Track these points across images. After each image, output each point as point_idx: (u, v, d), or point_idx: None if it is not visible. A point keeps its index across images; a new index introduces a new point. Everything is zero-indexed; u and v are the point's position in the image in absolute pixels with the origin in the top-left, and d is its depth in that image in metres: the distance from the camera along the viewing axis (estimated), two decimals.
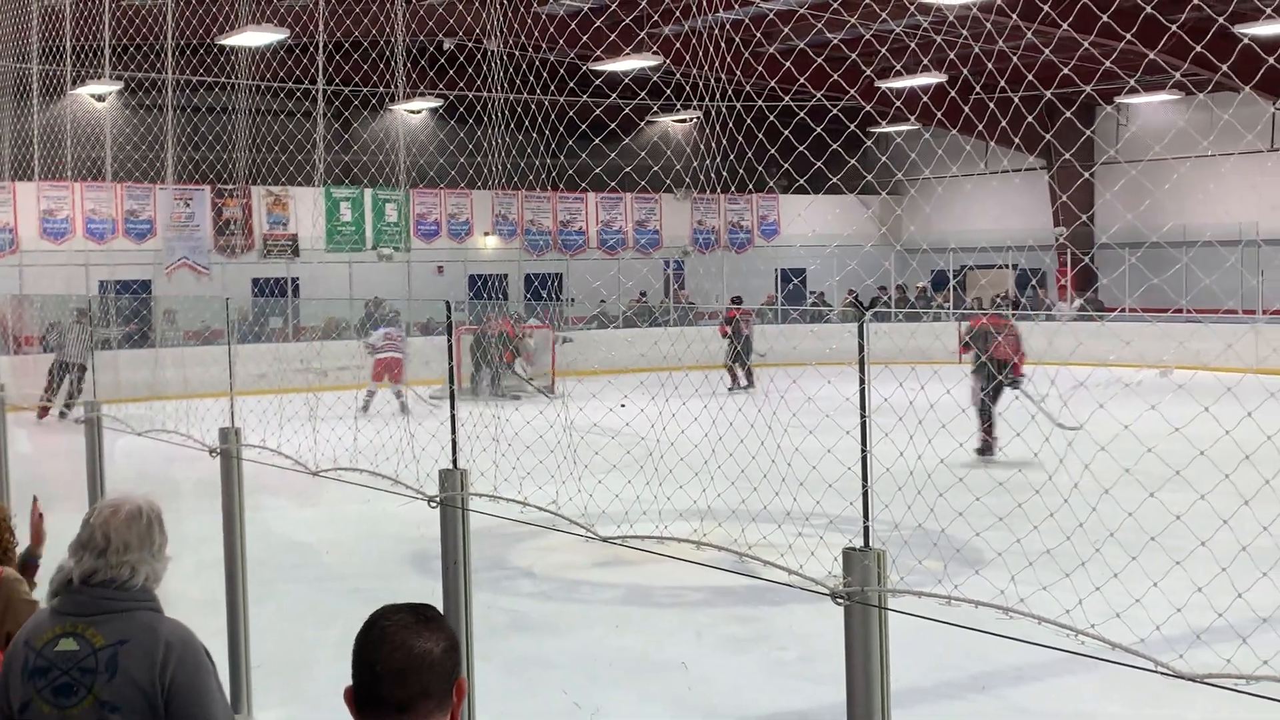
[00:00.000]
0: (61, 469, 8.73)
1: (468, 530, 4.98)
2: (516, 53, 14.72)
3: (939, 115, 24.66)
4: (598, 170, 26.88)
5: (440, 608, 4.20)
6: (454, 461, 5.18)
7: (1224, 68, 4.62)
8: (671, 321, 31.58)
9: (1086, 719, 7.49)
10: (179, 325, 27.66)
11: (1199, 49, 4.61)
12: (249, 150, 25.46)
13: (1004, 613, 3.77)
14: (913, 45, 5.38)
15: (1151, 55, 4.87)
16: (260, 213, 30.63)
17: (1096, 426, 4.82)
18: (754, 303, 34.61)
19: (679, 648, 8.87)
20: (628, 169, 27.26)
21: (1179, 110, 30.22)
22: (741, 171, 34.77)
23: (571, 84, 18.72)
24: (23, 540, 5.20)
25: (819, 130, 5.58)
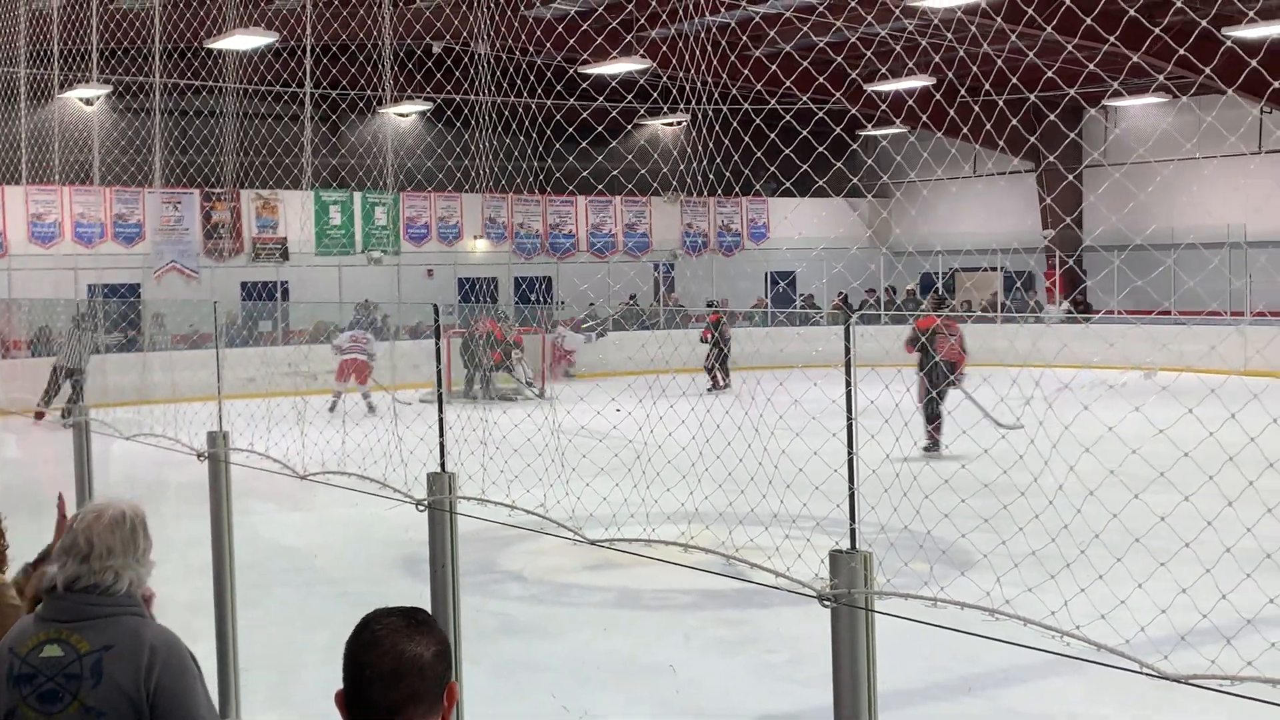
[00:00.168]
0: (50, 473, 8.71)
1: (455, 533, 4.98)
2: (504, 56, 14.73)
3: (924, 118, 24.75)
4: (585, 173, 26.91)
5: (428, 611, 4.22)
6: (442, 465, 5.19)
7: (1207, 70, 4.64)
8: (660, 324, 31.62)
9: None
10: (167, 329, 27.64)
11: (1182, 51, 4.64)
12: (237, 154, 25.44)
13: (990, 614, 3.78)
14: (898, 49, 5.39)
15: (1135, 58, 4.90)
16: (249, 216, 30.59)
17: (1081, 428, 4.84)
18: (743, 305, 34.69)
19: (668, 650, 8.88)
20: (615, 172, 27.27)
21: (1165, 113, 30.32)
22: (728, 175, 34.79)
23: (559, 88, 18.72)
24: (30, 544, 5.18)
25: (804, 134, 5.59)
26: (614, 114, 24.40)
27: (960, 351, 15.53)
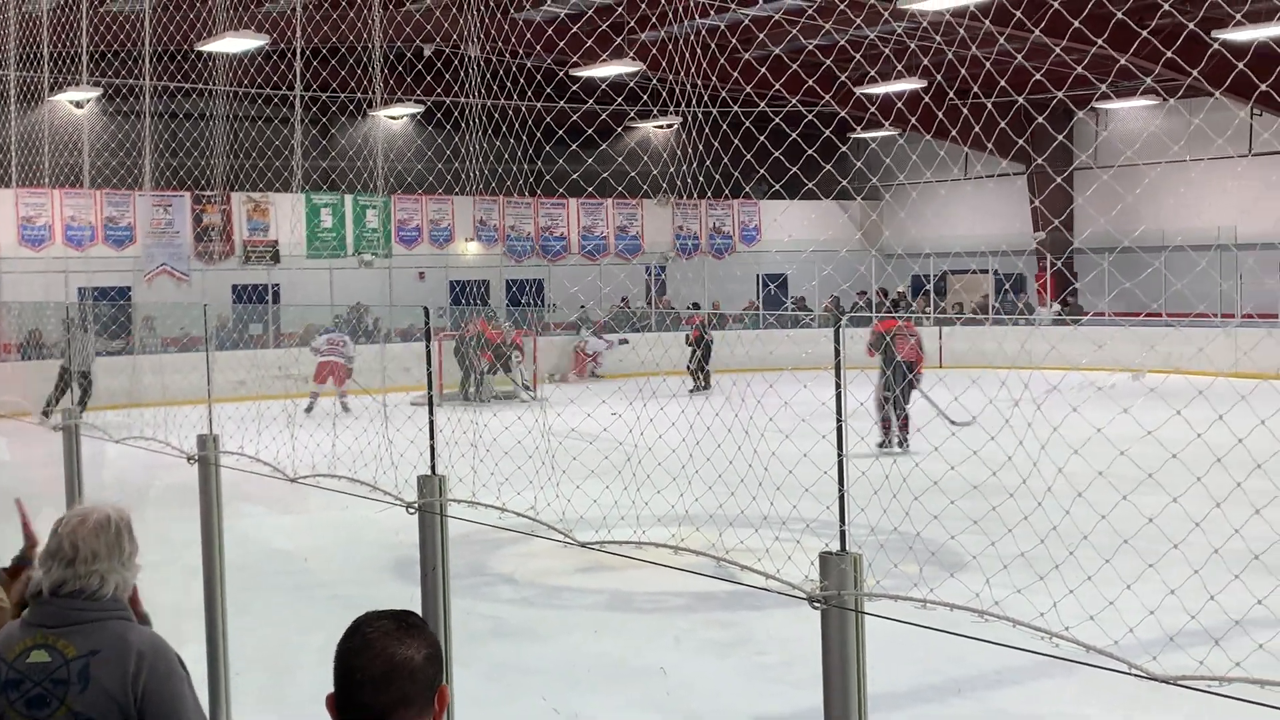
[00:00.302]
0: (41, 476, 8.70)
1: (446, 536, 4.98)
2: (494, 59, 14.73)
3: (913, 121, 24.76)
4: (575, 176, 26.91)
5: (419, 614, 4.22)
6: (432, 467, 5.18)
7: (1194, 73, 4.66)
8: (651, 327, 31.64)
9: None
10: (158, 332, 27.60)
11: (1169, 54, 4.66)
12: (228, 156, 25.42)
13: (979, 616, 3.79)
14: (887, 51, 5.40)
15: (1123, 60, 4.91)
16: (240, 219, 30.56)
17: (1070, 430, 4.86)
18: (734, 308, 34.76)
19: (659, 653, 8.88)
20: (605, 174, 27.31)
21: (1154, 116, 30.38)
22: (718, 177, 34.84)
23: (549, 90, 18.75)
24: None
25: (794, 136, 5.60)
26: (604, 116, 24.41)
27: (919, 352, 16.06)
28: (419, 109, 30.43)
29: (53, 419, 21.21)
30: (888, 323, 17.61)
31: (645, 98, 20.73)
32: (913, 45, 6.13)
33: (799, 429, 5.01)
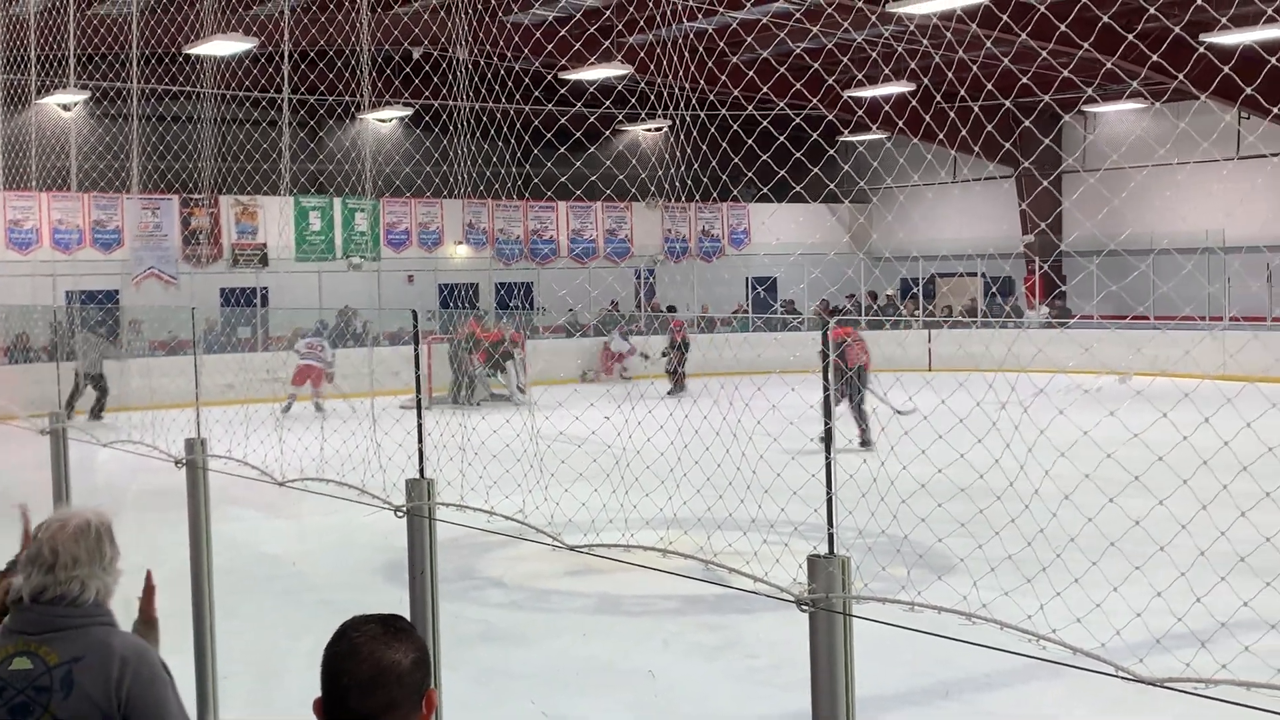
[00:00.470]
0: (29, 480, 8.67)
1: (434, 540, 4.98)
2: (483, 62, 14.73)
3: (900, 124, 24.79)
4: (563, 179, 26.92)
5: (408, 618, 4.21)
6: (420, 471, 5.18)
7: (1180, 76, 4.67)
8: (639, 330, 31.64)
9: None
10: (145, 335, 27.54)
11: (1155, 58, 4.67)
12: (216, 159, 25.37)
13: (967, 618, 3.80)
14: (874, 55, 5.40)
15: (1109, 64, 4.92)
16: (229, 222, 30.51)
17: (1057, 433, 4.87)
18: (723, 311, 34.80)
19: (648, 656, 8.88)
20: (593, 178, 27.31)
21: (1142, 119, 30.46)
22: (705, 181, 34.83)
23: (537, 93, 18.71)
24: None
25: (781, 139, 5.61)
26: (592, 120, 24.43)
27: (867, 356, 17.23)
28: (408, 112, 30.39)
29: (74, 420, 21.67)
30: (841, 330, 18.23)
31: (634, 101, 20.78)
32: (900, 48, 6.15)
33: (787, 432, 5.01)
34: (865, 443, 15.97)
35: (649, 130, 35.01)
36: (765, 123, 5.83)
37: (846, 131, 31.20)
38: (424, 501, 4.96)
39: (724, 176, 32.65)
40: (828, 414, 3.94)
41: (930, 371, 24.91)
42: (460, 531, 5.74)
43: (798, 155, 5.64)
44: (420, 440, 5.25)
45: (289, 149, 25.38)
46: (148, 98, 25.58)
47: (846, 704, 3.61)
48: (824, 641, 3.61)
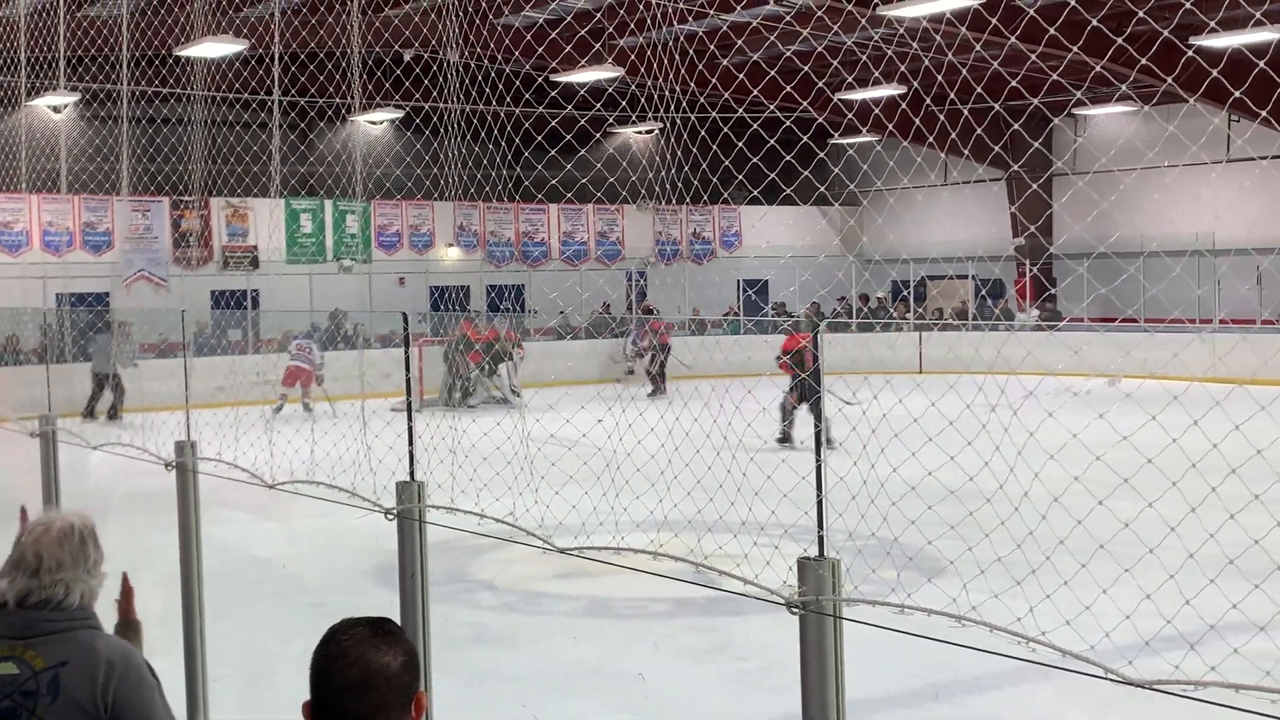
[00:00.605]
0: (20, 482, 8.67)
1: (425, 543, 4.98)
2: (474, 64, 14.73)
3: (890, 127, 24.82)
4: (554, 181, 26.92)
5: (398, 621, 4.21)
6: (411, 473, 5.18)
7: (1169, 80, 4.69)
8: (630, 332, 31.64)
9: None
10: (135, 338, 27.50)
11: (1144, 61, 4.68)
12: (207, 161, 25.35)
13: (957, 621, 3.80)
14: (864, 58, 5.39)
15: (1098, 67, 4.94)
16: (219, 224, 30.47)
17: (1046, 435, 4.88)
18: (714, 314, 34.84)
19: (638, 658, 8.89)
20: (584, 180, 27.33)
21: (1132, 122, 30.51)
22: (696, 183, 34.89)
23: (528, 96, 18.76)
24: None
25: (772, 142, 5.63)
26: (583, 122, 24.46)
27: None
28: (398, 114, 30.38)
29: (98, 422, 21.91)
30: (795, 339, 18.82)
31: (624, 103, 20.77)
32: (890, 52, 6.16)
33: (778, 433, 5.01)
34: (826, 441, 16.47)
35: (640, 133, 35.04)
36: (756, 125, 5.85)
37: (837, 134, 31.27)
38: (414, 504, 4.96)
39: (714, 179, 32.71)
40: (818, 415, 3.95)
41: (921, 374, 24.96)
42: (451, 534, 5.74)
43: (788, 158, 5.66)
44: (411, 443, 5.25)
45: (279, 151, 25.38)
46: (138, 99, 25.57)
47: (837, 706, 3.61)
48: (814, 644, 3.61)
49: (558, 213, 34.90)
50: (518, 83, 25.70)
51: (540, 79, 21.40)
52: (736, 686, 8.33)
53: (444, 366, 25.30)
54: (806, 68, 5.78)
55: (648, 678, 8.39)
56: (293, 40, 21.06)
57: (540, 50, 15.51)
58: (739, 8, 18.74)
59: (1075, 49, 5.09)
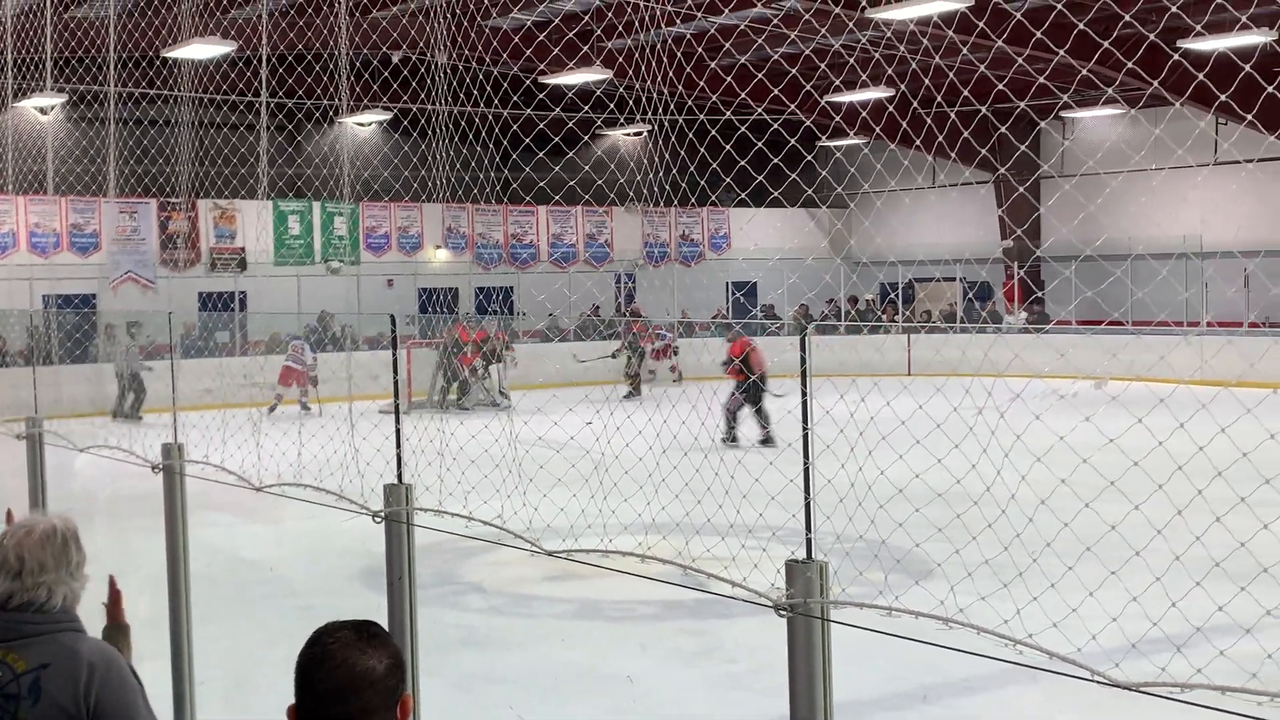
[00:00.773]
0: (6, 485, 8.65)
1: (413, 546, 4.97)
2: (462, 66, 14.73)
3: (877, 130, 24.85)
4: (542, 184, 26.92)
5: (385, 624, 4.20)
6: (399, 476, 5.18)
7: (1155, 83, 4.70)
8: (619, 334, 31.64)
9: None
10: (120, 341, 27.44)
11: (1130, 65, 4.69)
12: (194, 163, 25.31)
13: (944, 623, 3.80)
14: (852, 61, 5.40)
15: (1084, 71, 4.95)
16: (207, 226, 30.41)
17: (1033, 438, 4.89)
18: (703, 316, 34.85)
19: (628, 661, 8.89)
20: (572, 182, 27.31)
21: (1120, 125, 30.59)
22: (684, 186, 34.92)
23: (516, 98, 18.75)
24: None
25: (759, 145, 5.63)
26: (570, 125, 24.49)
27: (765, 364, 18.44)
28: (387, 116, 30.37)
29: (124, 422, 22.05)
30: (741, 344, 19.63)
31: (613, 106, 20.80)
32: (877, 54, 6.17)
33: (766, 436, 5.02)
34: (766, 440, 17.27)
35: (628, 135, 35.06)
36: (744, 128, 5.85)
37: (825, 137, 31.30)
38: (402, 507, 4.95)
39: (702, 181, 32.72)
40: (805, 418, 3.95)
41: (909, 376, 24.99)
42: (440, 536, 5.74)
43: (775, 160, 5.66)
44: (399, 445, 5.25)
45: (267, 153, 25.33)
46: (125, 101, 25.52)
47: (825, 708, 3.62)
48: (802, 646, 3.61)
49: (546, 215, 34.90)
50: (506, 85, 25.71)
51: (528, 81, 21.39)
52: (725, 689, 8.34)
53: (440, 368, 25.31)
54: (794, 70, 5.78)
55: (636, 680, 8.39)
56: (280, 42, 21.05)
57: (528, 52, 15.50)
58: (726, 10, 18.76)
59: (1062, 52, 5.10)
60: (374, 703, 2.47)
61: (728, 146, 6.10)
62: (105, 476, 11.60)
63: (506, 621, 10.05)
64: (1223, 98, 4.45)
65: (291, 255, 31.28)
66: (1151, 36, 4.74)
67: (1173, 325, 24.81)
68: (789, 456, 4.15)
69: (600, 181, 31.57)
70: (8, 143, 22.80)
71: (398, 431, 5.26)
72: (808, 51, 6.05)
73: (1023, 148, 15.63)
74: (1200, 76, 4.46)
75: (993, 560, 4.73)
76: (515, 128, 20.66)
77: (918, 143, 27.47)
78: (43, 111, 26.56)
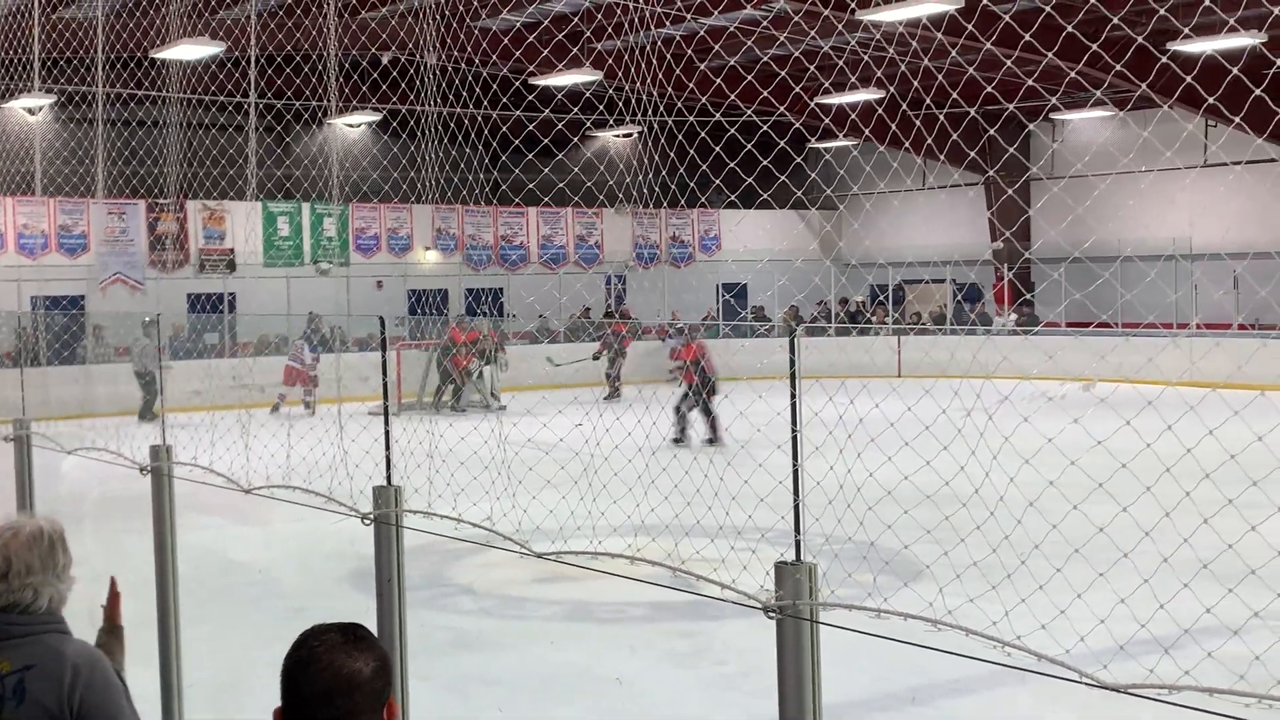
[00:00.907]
0: None
1: (402, 548, 4.97)
2: (451, 68, 14.71)
3: (867, 131, 24.87)
4: (532, 185, 26.90)
5: (375, 626, 4.19)
6: (388, 478, 5.17)
7: (1143, 86, 4.71)
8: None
9: None
10: (109, 341, 27.40)
11: (1119, 67, 4.70)
12: (183, 164, 25.27)
13: (933, 625, 3.81)
14: (841, 63, 5.41)
15: (1072, 73, 4.96)
16: (196, 227, 30.35)
17: (1021, 440, 4.89)
18: (693, 318, 34.87)
19: (619, 663, 8.88)
20: (562, 184, 27.31)
21: (1110, 127, 30.65)
22: (674, 188, 34.95)
23: (505, 99, 18.73)
24: None
25: (749, 146, 5.63)
26: (561, 125, 24.48)
27: (713, 366, 19.52)
28: (376, 117, 30.34)
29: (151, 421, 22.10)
30: (690, 349, 19.91)
31: (603, 107, 20.79)
32: (867, 56, 6.18)
33: (754, 439, 5.02)
34: (713, 440, 17.92)
35: (619, 136, 35.05)
36: (733, 130, 5.85)
37: (814, 139, 31.31)
38: (391, 509, 4.95)
39: (693, 183, 32.73)
40: (794, 420, 3.95)
41: (898, 378, 25.02)
42: (430, 538, 5.73)
43: (765, 162, 5.67)
44: (388, 447, 5.24)
45: (256, 154, 25.30)
46: (113, 102, 25.46)
47: (814, 710, 3.62)
48: (791, 648, 3.61)
49: (536, 216, 34.88)
50: (495, 86, 25.69)
51: (518, 82, 21.36)
52: (715, 690, 8.34)
53: (435, 371, 25.34)
54: (784, 72, 5.79)
55: (626, 682, 8.39)
56: (269, 43, 21.01)
57: (518, 54, 15.50)
58: (716, 12, 18.76)
59: (1051, 54, 5.10)
60: (360, 705, 2.46)
61: (717, 148, 6.10)
62: (93, 479, 11.59)
63: (496, 623, 10.04)
64: (1211, 100, 4.46)
65: (281, 256, 31.23)
66: (1140, 39, 4.75)
67: (1161, 327, 24.85)
68: (778, 459, 4.15)
69: (590, 183, 31.56)
70: None
71: (387, 433, 5.25)
72: (797, 53, 6.05)
73: (1012, 150, 15.65)
74: (1189, 79, 4.47)
75: (981, 562, 4.74)
76: (505, 129, 20.68)
77: (907, 145, 27.48)
78: (31, 112, 26.49)
